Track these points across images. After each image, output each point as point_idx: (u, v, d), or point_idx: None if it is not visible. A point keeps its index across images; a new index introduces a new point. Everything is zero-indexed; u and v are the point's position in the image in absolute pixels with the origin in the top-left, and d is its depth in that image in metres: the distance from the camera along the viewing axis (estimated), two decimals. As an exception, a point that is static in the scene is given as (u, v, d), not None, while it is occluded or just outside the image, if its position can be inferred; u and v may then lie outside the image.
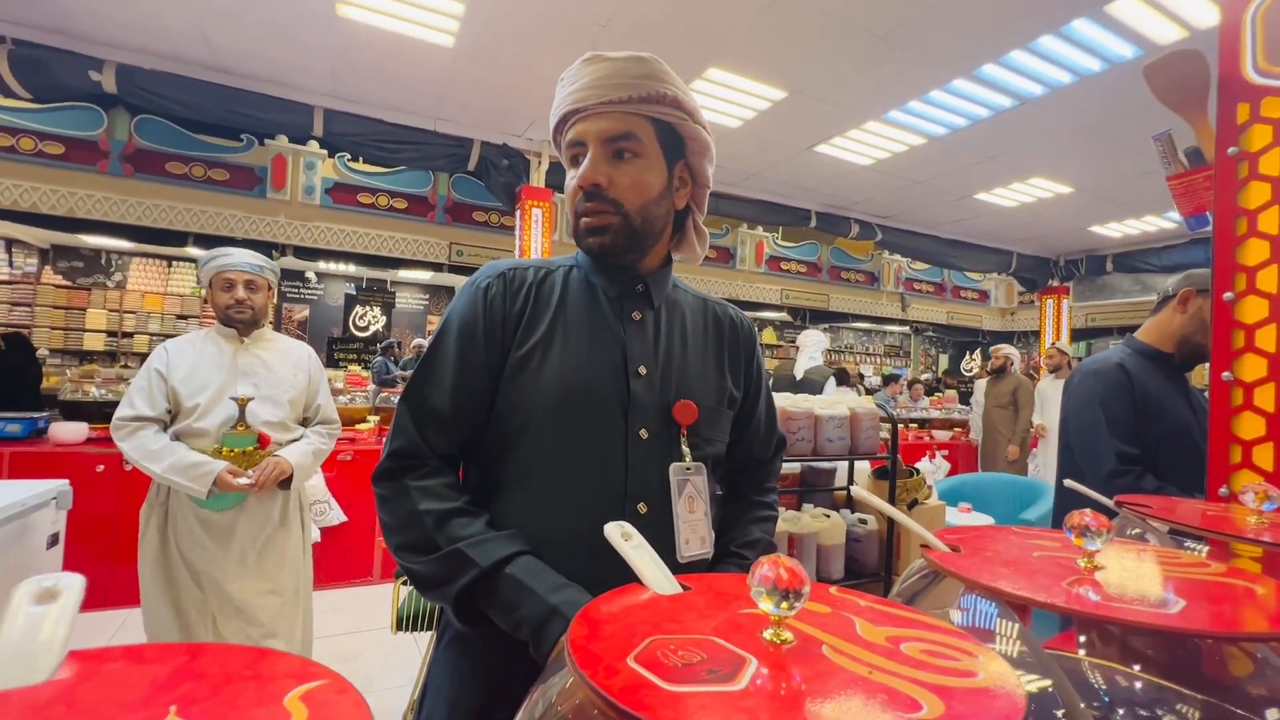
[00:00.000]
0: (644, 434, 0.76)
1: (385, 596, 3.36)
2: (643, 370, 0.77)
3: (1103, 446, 1.50)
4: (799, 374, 4.49)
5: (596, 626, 0.36)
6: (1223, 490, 1.01)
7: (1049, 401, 4.64)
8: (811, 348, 4.64)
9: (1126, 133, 4.26)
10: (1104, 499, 0.81)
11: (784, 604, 0.33)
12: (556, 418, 0.74)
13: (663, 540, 0.74)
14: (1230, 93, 1.01)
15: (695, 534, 0.78)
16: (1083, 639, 0.57)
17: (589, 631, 0.35)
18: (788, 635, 0.34)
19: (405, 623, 1.96)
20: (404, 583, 2.07)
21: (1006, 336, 11.04)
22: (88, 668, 0.28)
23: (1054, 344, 5.18)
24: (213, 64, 3.79)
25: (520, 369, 0.75)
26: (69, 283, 8.09)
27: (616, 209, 0.76)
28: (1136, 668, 0.56)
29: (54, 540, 1.92)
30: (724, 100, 4.07)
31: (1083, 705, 0.48)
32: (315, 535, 3.12)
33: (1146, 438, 1.49)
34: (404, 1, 3.13)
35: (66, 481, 1.96)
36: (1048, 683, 0.44)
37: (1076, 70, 3.56)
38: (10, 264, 7.84)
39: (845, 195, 5.91)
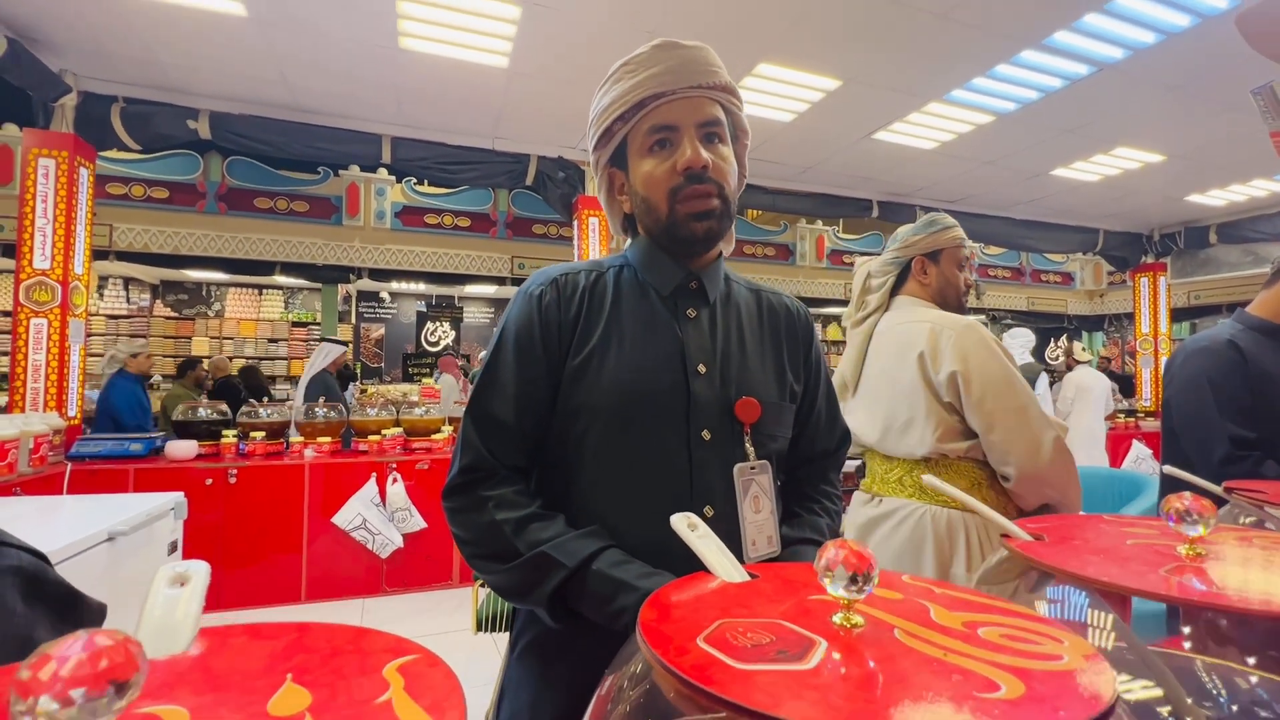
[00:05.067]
0: (706, 435, 0.75)
1: (465, 599, 3.49)
2: (702, 369, 0.76)
3: (1214, 431, 1.38)
4: None
5: (666, 610, 0.37)
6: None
7: None
8: (1021, 346, 4.67)
9: (1225, 90, 3.89)
10: (1212, 486, 0.74)
11: (853, 587, 0.33)
12: (618, 423, 0.74)
13: (730, 542, 0.72)
14: (1343, 35, 0.91)
15: (762, 534, 0.77)
16: (1188, 631, 0.53)
17: (659, 615, 0.36)
18: (858, 619, 0.34)
19: (485, 624, 2.03)
20: (482, 585, 2.15)
21: (1096, 321, 10.28)
22: (216, 642, 0.32)
23: None
24: (291, 104, 4.08)
25: (579, 375, 0.75)
26: (176, 314, 8.88)
27: (719, 192, 0.76)
28: (1253, 663, 0.52)
29: (173, 547, 2.12)
30: (775, 95, 4.01)
31: (1190, 701, 0.45)
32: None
33: (1266, 420, 1.35)
34: (460, 28, 3.27)
35: (182, 494, 2.16)
36: (1148, 680, 0.41)
37: (1162, 28, 3.29)
38: (128, 300, 8.70)
39: (908, 182, 5.68)
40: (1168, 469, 0.76)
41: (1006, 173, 5.42)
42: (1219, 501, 0.74)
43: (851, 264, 8.90)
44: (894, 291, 1.50)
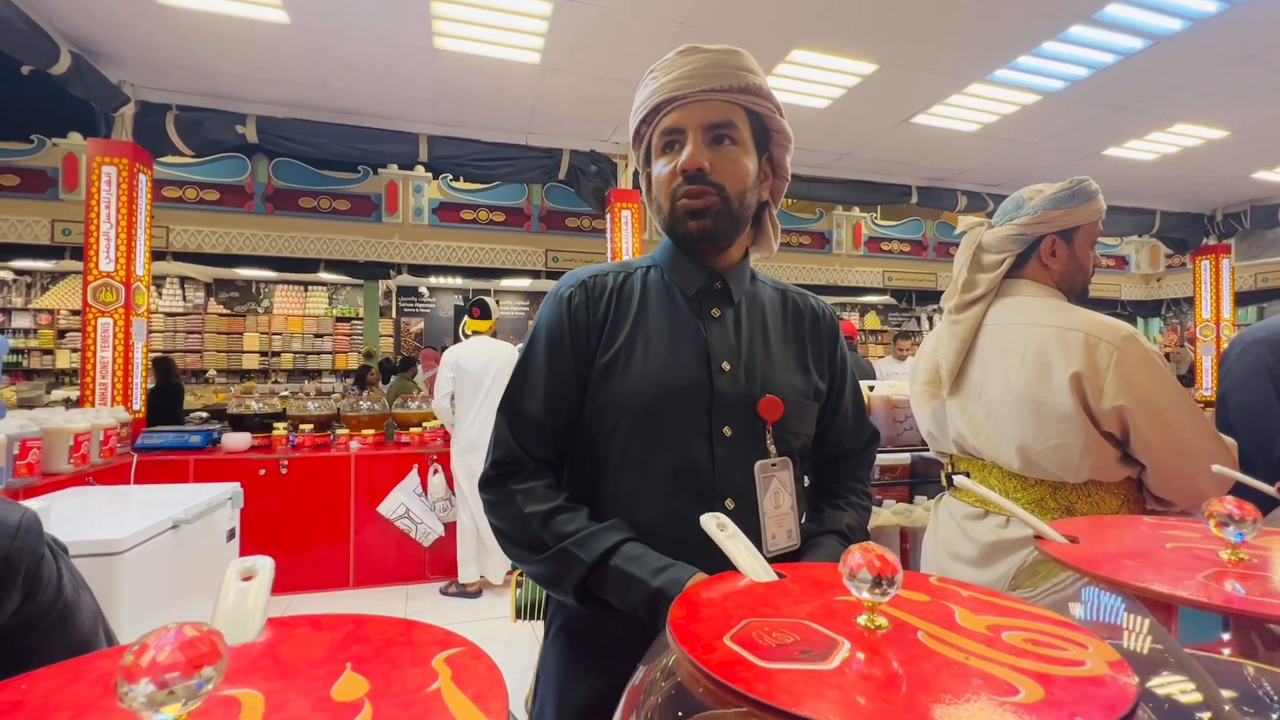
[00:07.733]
0: (728, 431, 0.77)
1: (505, 587, 3.58)
2: (726, 366, 0.78)
3: (1274, 425, 1.31)
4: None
5: (695, 609, 0.38)
6: None
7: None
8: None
9: (1296, 60, 3.65)
10: (1264, 486, 0.72)
11: (877, 590, 0.34)
12: (643, 419, 0.77)
13: (749, 536, 0.75)
14: None
15: (781, 528, 0.78)
16: (1234, 637, 0.52)
17: (688, 613, 0.38)
18: (882, 621, 0.35)
19: (524, 611, 2.09)
20: (521, 575, 2.20)
21: (1153, 306, 9.81)
22: (282, 631, 0.35)
23: None
24: (333, 106, 4.20)
25: (607, 374, 0.78)
26: (228, 311, 9.28)
27: (719, 191, 0.77)
28: (1299, 671, 0.50)
29: (231, 534, 2.24)
30: (808, 82, 3.93)
31: (1228, 708, 0.44)
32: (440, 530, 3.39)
33: (1331, 415, 1.28)
34: (492, 26, 3.31)
35: (238, 484, 2.27)
36: (1182, 678, 0.41)
37: (1225, -4, 3.10)
38: (184, 298, 9.12)
39: (949, 166, 5.50)
40: (1216, 468, 0.73)
41: (1054, 154, 5.20)
42: (1271, 503, 0.72)
43: (890, 251, 8.65)
44: (1009, 272, 1.25)
